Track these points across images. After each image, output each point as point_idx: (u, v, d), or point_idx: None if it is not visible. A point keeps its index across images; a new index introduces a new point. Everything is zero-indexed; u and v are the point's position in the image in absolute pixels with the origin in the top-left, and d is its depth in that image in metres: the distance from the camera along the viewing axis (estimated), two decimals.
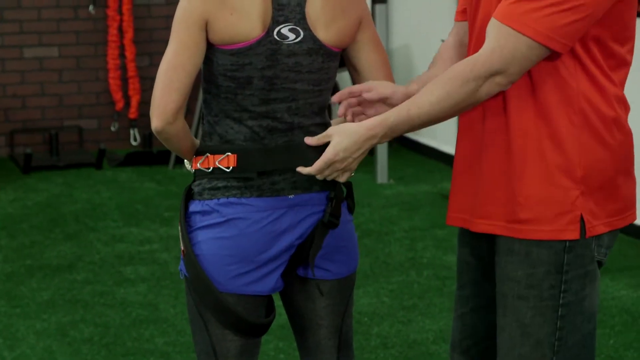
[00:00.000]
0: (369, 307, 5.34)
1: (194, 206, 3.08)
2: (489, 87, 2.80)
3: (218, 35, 2.97)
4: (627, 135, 2.94)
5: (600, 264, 2.95)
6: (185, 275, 3.09)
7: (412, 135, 8.31)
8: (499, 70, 2.77)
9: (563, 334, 2.89)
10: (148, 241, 6.29)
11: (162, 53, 3.13)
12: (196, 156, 3.08)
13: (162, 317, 5.25)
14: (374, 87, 3.03)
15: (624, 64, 2.89)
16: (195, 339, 3.13)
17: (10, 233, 6.51)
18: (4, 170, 7.82)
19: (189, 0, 2.96)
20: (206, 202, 3.05)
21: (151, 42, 8.14)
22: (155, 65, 7.40)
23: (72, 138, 8.26)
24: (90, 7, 8.11)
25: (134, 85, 8.24)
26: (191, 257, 3.04)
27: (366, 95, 3.01)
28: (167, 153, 7.80)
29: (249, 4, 2.95)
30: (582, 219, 2.86)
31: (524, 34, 2.74)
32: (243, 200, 3.02)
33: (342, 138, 2.89)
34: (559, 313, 2.88)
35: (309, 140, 2.95)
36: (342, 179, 2.95)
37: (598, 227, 2.90)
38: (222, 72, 3.00)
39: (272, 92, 3.01)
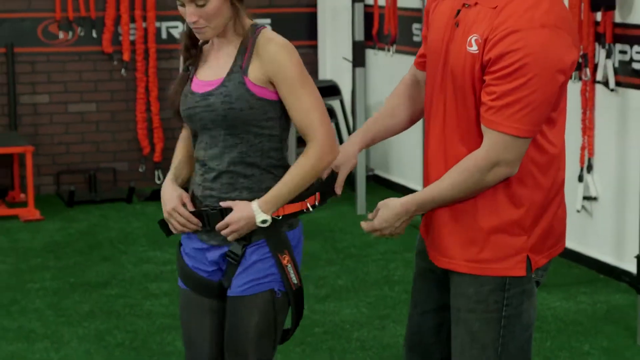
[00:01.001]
0: (350, 316, 5.34)
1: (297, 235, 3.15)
2: (494, 176, 2.81)
3: None
4: (561, 184, 2.95)
5: (538, 283, 2.96)
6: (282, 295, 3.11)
7: (384, 174, 8.30)
8: (497, 163, 2.78)
9: (505, 340, 2.90)
10: (169, 262, 6.28)
11: None
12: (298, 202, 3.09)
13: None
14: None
15: (557, 120, 2.87)
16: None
17: (56, 256, 6.51)
18: (51, 205, 7.80)
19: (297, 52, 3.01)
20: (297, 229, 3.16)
21: None
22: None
23: (107, 178, 8.24)
24: (122, 71, 8.14)
25: (158, 135, 8.24)
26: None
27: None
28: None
29: None
30: (528, 258, 2.89)
31: (509, 134, 2.75)
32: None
33: (384, 211, 2.96)
34: (502, 324, 2.89)
35: (363, 225, 3.01)
36: (392, 236, 3.00)
37: (540, 260, 2.93)
38: None
39: None
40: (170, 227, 3.18)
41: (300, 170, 3.02)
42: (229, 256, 3.08)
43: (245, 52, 3.01)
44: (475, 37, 2.75)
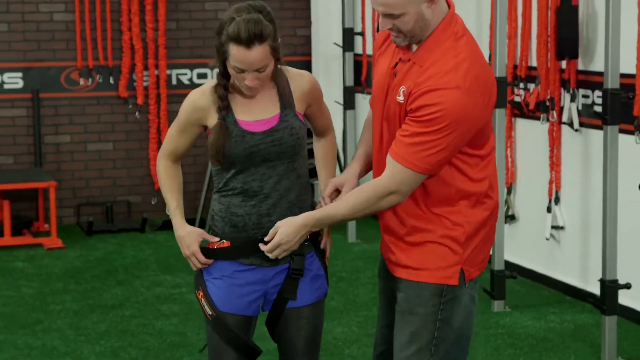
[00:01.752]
0: (342, 334, 5.32)
1: None
2: (387, 202, 2.95)
3: None
4: (493, 207, 3.05)
5: (473, 297, 3.06)
6: None
7: None
8: (393, 192, 2.92)
9: (438, 341, 2.99)
10: (179, 286, 6.26)
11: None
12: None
13: (189, 342, 5.24)
14: (337, 186, 3.14)
15: (485, 156, 3.00)
16: None
17: (76, 280, 6.49)
18: (72, 234, 7.78)
19: None
20: None
21: None
22: (186, 156, 7.46)
23: (122, 209, 8.22)
24: (137, 113, 8.14)
25: None
26: None
27: (330, 197, 3.14)
28: (193, 221, 7.79)
29: None
30: (462, 270, 3.00)
31: (409, 168, 2.88)
32: None
33: (285, 228, 3.01)
34: (437, 325, 2.99)
35: (264, 248, 3.06)
36: (285, 254, 3.05)
37: (473, 272, 3.04)
38: None
39: None
40: (191, 264, 3.22)
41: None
42: (294, 273, 3.14)
43: (284, 89, 3.12)
44: (403, 89, 2.90)
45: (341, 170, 7.21)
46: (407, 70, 2.91)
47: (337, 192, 3.14)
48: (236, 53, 2.95)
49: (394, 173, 2.89)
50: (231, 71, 3.02)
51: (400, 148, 2.88)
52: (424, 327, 2.99)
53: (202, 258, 3.15)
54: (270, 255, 3.04)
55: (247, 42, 2.93)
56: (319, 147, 3.32)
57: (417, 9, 2.84)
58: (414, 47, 2.94)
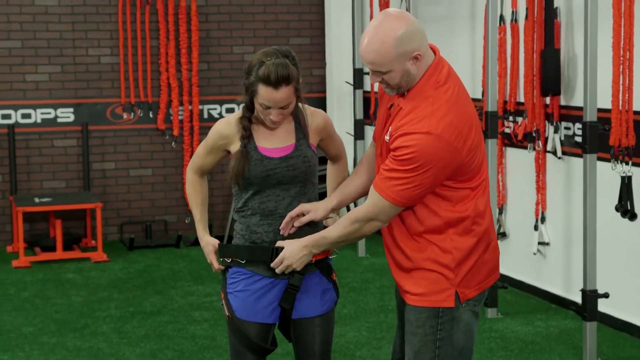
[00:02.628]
0: (353, 338, 5.30)
1: None
2: (369, 227, 2.93)
3: None
4: (482, 234, 2.94)
5: (475, 312, 2.97)
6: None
7: None
8: (372, 218, 2.90)
9: (440, 358, 2.92)
10: (209, 295, 6.25)
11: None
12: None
13: (218, 344, 5.23)
14: (304, 211, 3.10)
15: (475, 188, 2.92)
16: None
17: (119, 290, 6.49)
18: (116, 249, 7.78)
19: None
20: None
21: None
22: (215, 181, 7.49)
23: (160, 227, 8.22)
24: (173, 143, 8.14)
25: None
26: None
27: (296, 223, 3.11)
28: (222, 237, 7.79)
29: None
30: (457, 292, 2.92)
31: (386, 199, 2.85)
32: None
33: (289, 247, 3.03)
34: (437, 345, 2.92)
35: (273, 264, 3.07)
36: (287, 271, 3.05)
37: (470, 293, 2.94)
38: None
39: None
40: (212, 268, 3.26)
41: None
42: (291, 288, 3.12)
43: (300, 123, 3.15)
44: (390, 129, 2.89)
45: None
46: (396, 113, 2.90)
47: (302, 215, 3.12)
48: (264, 92, 2.98)
49: (374, 202, 2.87)
50: (258, 107, 3.04)
51: (381, 180, 2.86)
52: (425, 347, 2.92)
53: (216, 265, 3.22)
54: (277, 270, 3.06)
55: (276, 83, 2.97)
56: (332, 170, 3.35)
57: (402, 66, 2.82)
58: (404, 93, 2.91)
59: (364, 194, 3.17)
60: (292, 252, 3.02)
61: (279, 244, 3.08)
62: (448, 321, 2.92)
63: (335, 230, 2.99)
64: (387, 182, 2.83)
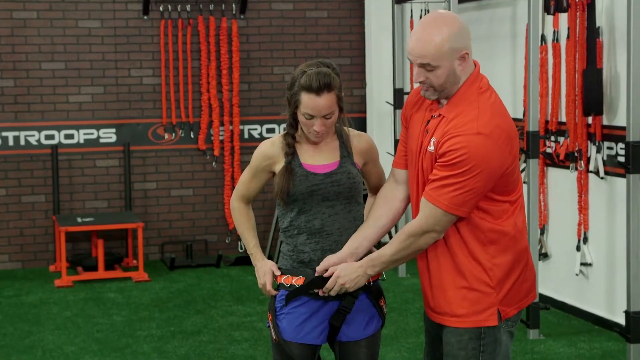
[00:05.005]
0: (394, 358, 5.29)
1: None
2: (425, 240, 2.90)
3: None
4: (521, 251, 2.93)
5: (512, 334, 2.95)
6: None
7: None
8: (427, 230, 2.88)
9: None
10: (249, 315, 6.27)
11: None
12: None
13: None
14: (330, 264, 3.06)
15: (514, 202, 2.92)
16: None
17: (160, 309, 6.53)
18: (157, 269, 7.83)
19: None
20: None
21: None
22: (255, 201, 7.53)
23: (200, 247, 8.26)
24: (214, 163, 8.21)
25: None
26: None
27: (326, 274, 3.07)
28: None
29: None
30: (498, 311, 2.90)
31: (440, 208, 2.83)
32: None
33: (344, 266, 3.01)
34: None
35: (327, 274, 3.06)
36: (341, 291, 3.03)
37: (510, 312, 2.93)
38: None
39: None
40: (263, 291, 3.23)
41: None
42: (343, 309, 3.11)
43: (345, 143, 3.17)
44: (434, 140, 2.89)
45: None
46: (437, 124, 2.90)
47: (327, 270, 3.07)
48: (307, 100, 3.02)
49: (427, 213, 2.86)
50: (301, 118, 3.07)
51: (432, 190, 2.85)
52: None
53: (270, 290, 3.18)
54: (331, 292, 3.04)
55: (318, 90, 3.01)
56: (371, 203, 3.29)
57: (450, 64, 2.85)
58: (443, 102, 2.93)
59: (385, 233, 3.15)
60: (347, 272, 3.01)
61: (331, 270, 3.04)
62: (490, 343, 2.90)
63: (390, 247, 2.97)
64: (439, 190, 2.82)
